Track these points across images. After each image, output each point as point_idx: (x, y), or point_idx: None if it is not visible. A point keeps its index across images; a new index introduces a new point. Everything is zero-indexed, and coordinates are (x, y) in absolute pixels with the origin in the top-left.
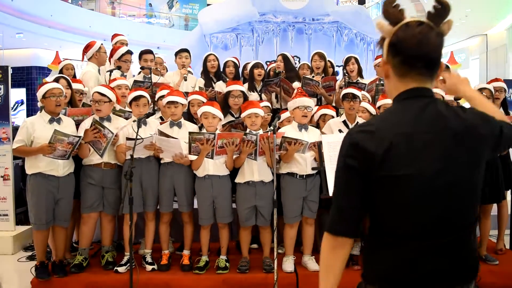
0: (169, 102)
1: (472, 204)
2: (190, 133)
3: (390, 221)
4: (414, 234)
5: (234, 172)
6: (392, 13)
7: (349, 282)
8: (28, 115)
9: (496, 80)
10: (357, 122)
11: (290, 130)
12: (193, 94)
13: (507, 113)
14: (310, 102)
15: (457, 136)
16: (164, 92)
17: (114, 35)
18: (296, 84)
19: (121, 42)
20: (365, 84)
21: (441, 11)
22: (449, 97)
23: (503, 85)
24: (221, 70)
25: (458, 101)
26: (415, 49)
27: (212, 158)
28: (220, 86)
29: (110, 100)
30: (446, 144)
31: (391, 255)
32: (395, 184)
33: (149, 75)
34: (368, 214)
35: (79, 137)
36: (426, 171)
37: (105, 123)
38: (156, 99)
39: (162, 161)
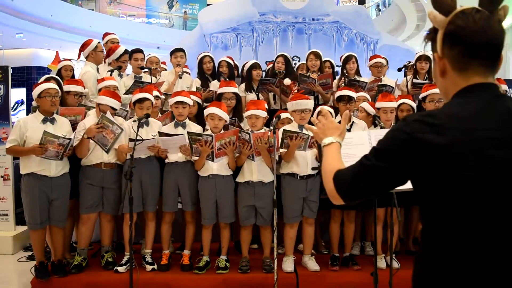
0: (177, 102)
1: None
2: (188, 133)
3: (451, 232)
4: (476, 247)
5: (235, 171)
6: (443, 1)
7: (349, 282)
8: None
9: (498, 81)
10: (353, 122)
11: (290, 128)
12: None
13: None
14: (308, 104)
15: None
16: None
17: (105, 34)
18: (287, 81)
19: (111, 41)
20: (366, 82)
21: None
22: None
23: (505, 87)
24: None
25: None
26: (478, 36)
27: (213, 160)
28: (215, 85)
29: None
30: None
31: (451, 268)
32: (458, 186)
33: (140, 75)
34: (423, 222)
35: (69, 139)
36: (495, 173)
37: None
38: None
39: (166, 161)
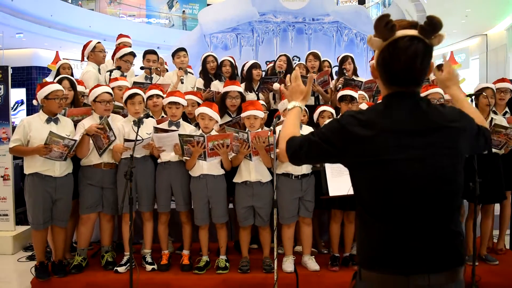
0: (170, 103)
1: (454, 192)
2: (180, 135)
3: (374, 204)
4: (396, 217)
5: (232, 172)
6: (382, 31)
7: (349, 282)
8: (28, 115)
9: (503, 80)
10: None
11: None
12: (188, 94)
13: None
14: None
15: (437, 128)
16: (153, 92)
17: (120, 36)
18: (276, 86)
19: (123, 44)
20: (362, 82)
21: (432, 28)
22: (448, 97)
23: (509, 85)
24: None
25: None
26: (403, 73)
27: (205, 160)
28: (216, 86)
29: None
30: (427, 135)
31: (373, 236)
32: (381, 168)
33: (150, 75)
34: (356, 198)
35: (75, 140)
36: (410, 157)
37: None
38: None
39: (159, 161)
